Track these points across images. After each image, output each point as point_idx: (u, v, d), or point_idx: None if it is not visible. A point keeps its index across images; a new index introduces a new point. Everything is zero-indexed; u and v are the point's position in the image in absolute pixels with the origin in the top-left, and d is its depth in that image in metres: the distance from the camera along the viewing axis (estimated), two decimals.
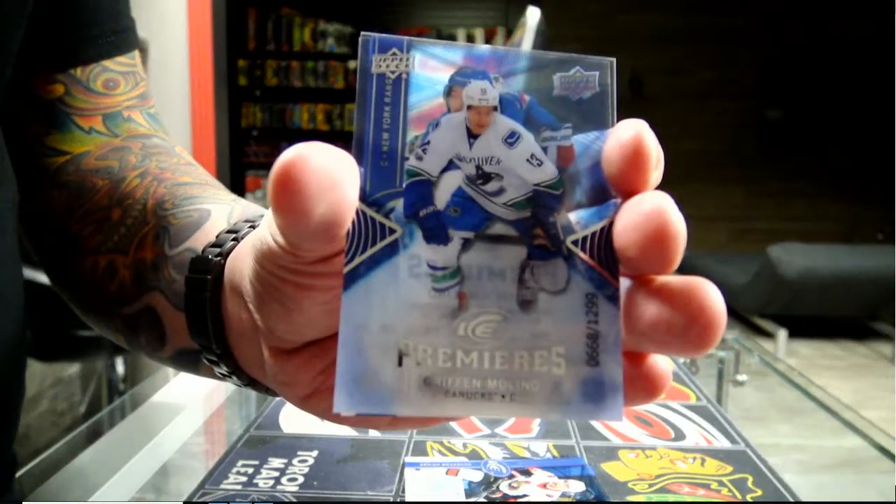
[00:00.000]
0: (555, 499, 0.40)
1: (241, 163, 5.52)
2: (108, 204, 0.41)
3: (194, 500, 0.35)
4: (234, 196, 0.40)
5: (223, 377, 0.33)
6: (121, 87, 0.46)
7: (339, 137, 5.74)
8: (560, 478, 0.37)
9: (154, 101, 0.49)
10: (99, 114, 0.45)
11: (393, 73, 0.21)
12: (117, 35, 0.46)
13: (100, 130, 0.45)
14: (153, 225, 0.39)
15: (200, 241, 0.35)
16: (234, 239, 0.32)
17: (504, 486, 0.42)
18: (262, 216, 0.34)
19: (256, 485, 0.37)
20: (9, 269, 0.42)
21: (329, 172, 0.19)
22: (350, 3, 5.60)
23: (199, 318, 0.31)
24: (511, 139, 0.21)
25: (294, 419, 0.46)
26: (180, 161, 0.44)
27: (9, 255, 0.42)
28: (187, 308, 0.32)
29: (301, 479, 0.37)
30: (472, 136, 0.21)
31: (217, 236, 0.33)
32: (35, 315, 0.61)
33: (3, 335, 0.41)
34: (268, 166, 6.26)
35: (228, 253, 0.31)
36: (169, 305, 0.36)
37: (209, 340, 0.31)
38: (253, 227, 0.32)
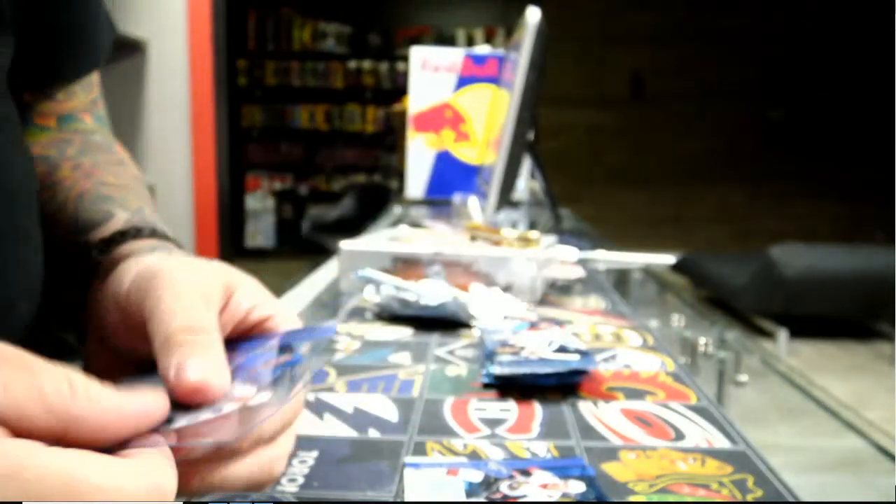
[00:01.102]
0: (555, 499, 0.40)
1: (241, 163, 5.51)
2: (40, 188, 0.47)
3: (194, 500, 0.35)
4: (145, 202, 0.48)
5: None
6: (78, 95, 0.53)
7: (338, 137, 5.74)
8: (560, 478, 0.37)
9: (102, 104, 0.56)
10: (55, 115, 0.51)
11: None
12: (86, 58, 0.51)
13: (51, 127, 0.51)
14: (70, 211, 0.47)
15: (98, 236, 0.43)
16: (114, 245, 0.41)
17: (504, 487, 0.42)
18: (152, 226, 0.43)
19: None
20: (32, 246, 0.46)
21: None
22: (350, 4, 5.60)
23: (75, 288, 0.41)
24: None
25: None
26: (111, 160, 0.51)
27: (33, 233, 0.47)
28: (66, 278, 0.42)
29: (301, 480, 0.37)
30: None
31: (110, 235, 0.42)
32: None
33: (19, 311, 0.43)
34: (268, 166, 6.23)
35: (102, 258, 0.41)
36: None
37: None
38: (138, 233, 0.42)
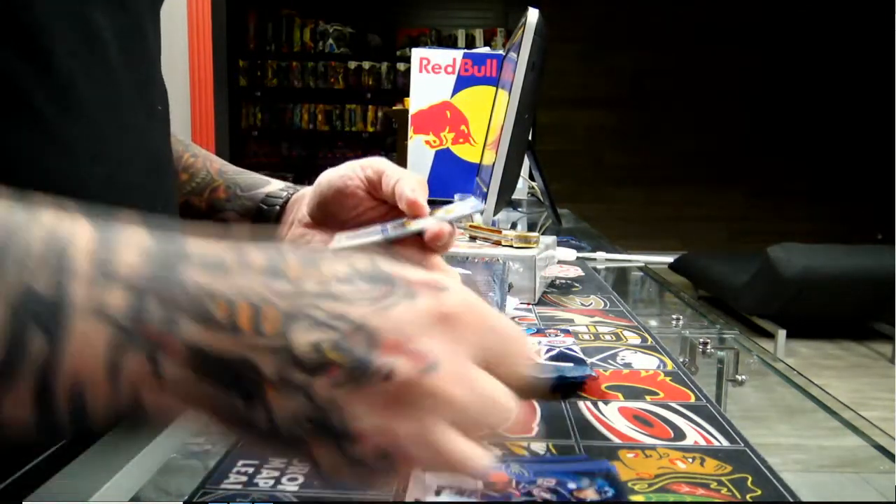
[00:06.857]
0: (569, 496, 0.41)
1: (241, 163, 5.51)
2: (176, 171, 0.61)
3: (194, 500, 0.35)
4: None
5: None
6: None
7: (339, 138, 5.74)
8: (582, 475, 0.37)
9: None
10: None
11: None
12: None
13: None
14: (222, 182, 0.63)
15: (268, 191, 0.61)
16: (292, 191, 0.61)
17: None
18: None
19: (256, 485, 0.37)
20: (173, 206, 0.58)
21: None
22: (350, 4, 5.59)
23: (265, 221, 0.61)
24: None
25: None
26: (205, 153, 0.67)
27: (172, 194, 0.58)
28: (254, 219, 0.61)
29: (301, 479, 0.37)
30: None
31: (280, 189, 0.61)
32: None
33: None
34: (268, 166, 6.22)
35: (291, 195, 0.61)
36: (237, 216, 0.61)
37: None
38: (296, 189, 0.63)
